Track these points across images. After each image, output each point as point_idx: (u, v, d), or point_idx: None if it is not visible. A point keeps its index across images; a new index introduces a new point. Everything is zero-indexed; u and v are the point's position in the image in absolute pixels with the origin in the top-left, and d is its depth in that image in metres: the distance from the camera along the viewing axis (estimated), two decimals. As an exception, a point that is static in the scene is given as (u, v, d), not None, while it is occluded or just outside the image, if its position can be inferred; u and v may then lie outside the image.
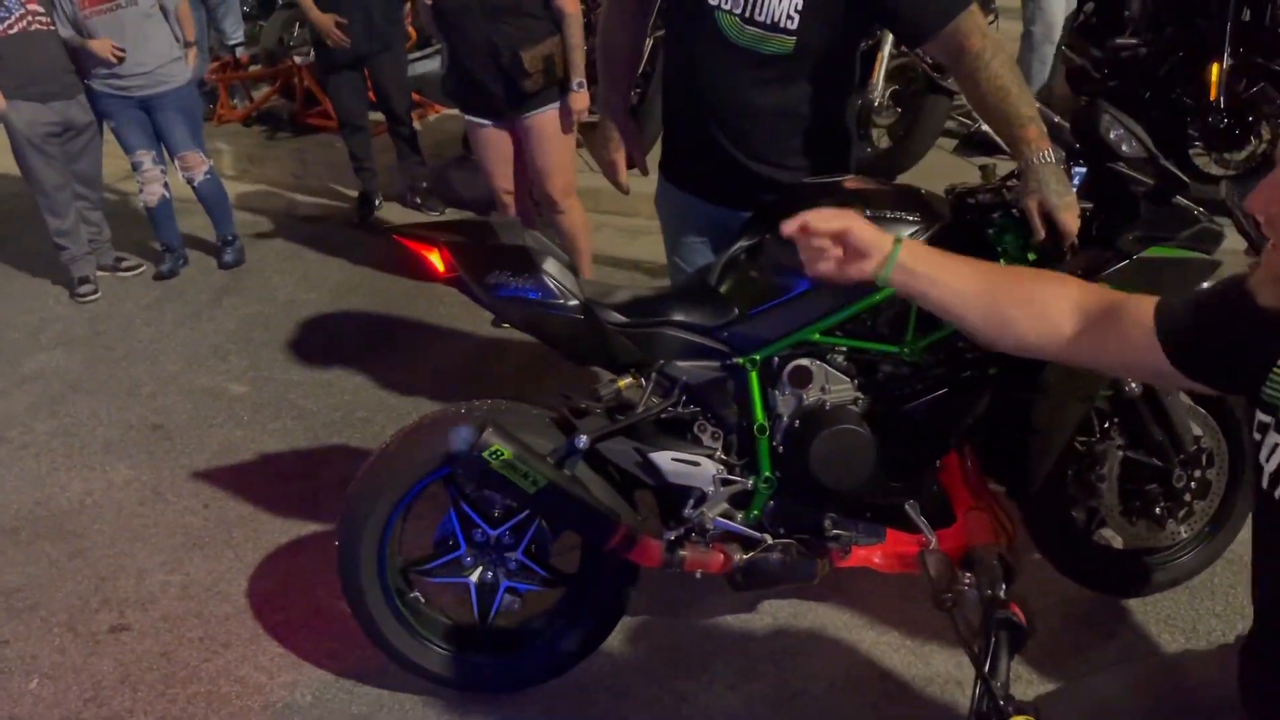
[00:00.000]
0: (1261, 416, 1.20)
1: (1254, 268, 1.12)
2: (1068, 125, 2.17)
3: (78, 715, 2.41)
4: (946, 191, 2.27)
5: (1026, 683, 2.30)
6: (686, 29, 2.32)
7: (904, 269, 1.46)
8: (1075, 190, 2.04)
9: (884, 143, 4.74)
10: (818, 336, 2.17)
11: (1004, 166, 2.22)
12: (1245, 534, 2.51)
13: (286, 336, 4.28)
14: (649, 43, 4.22)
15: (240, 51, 7.31)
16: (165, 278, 4.94)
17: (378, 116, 5.59)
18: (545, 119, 3.77)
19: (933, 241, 2.08)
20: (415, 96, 6.01)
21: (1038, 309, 1.40)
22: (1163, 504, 2.39)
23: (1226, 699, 1.28)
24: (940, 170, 4.40)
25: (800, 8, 2.13)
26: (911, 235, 2.10)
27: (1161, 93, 4.28)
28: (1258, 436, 1.20)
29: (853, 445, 2.15)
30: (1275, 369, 1.17)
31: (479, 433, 2.07)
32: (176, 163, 4.85)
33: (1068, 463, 2.36)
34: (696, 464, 2.19)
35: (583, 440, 2.15)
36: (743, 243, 2.23)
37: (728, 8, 2.18)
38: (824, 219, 1.47)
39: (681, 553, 2.19)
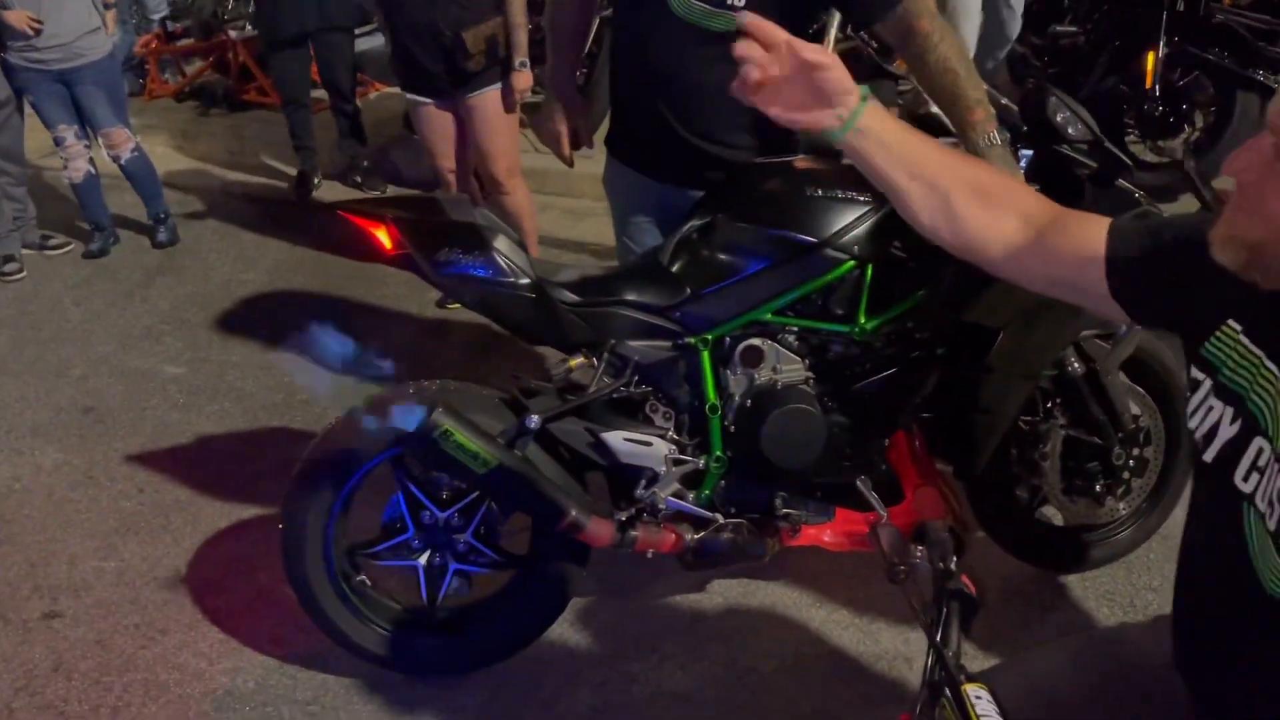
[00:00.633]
0: (1196, 373, 1.18)
1: (1215, 221, 1.10)
2: (1015, 108, 2.20)
3: (9, 705, 2.34)
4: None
5: (970, 657, 2.33)
6: (635, 4, 2.30)
7: (860, 131, 1.30)
8: (1022, 172, 2.07)
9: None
10: (769, 316, 2.17)
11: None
12: (1180, 511, 2.58)
13: (224, 317, 4.18)
14: (595, 21, 4.17)
15: (172, 25, 7.10)
16: (95, 256, 4.79)
17: (318, 94, 5.47)
18: (488, 99, 3.72)
19: (882, 223, 2.10)
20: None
21: (989, 206, 1.31)
22: (1102, 482, 2.44)
23: (1164, 667, 1.30)
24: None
25: None
26: (862, 215, 2.11)
27: (1098, 80, 4.36)
28: (1188, 393, 1.19)
29: (804, 425, 2.16)
30: (1222, 328, 1.13)
31: (427, 413, 2.04)
32: (100, 140, 4.69)
33: (1011, 442, 2.39)
34: (648, 444, 2.18)
35: (534, 420, 2.12)
36: (694, 222, 2.22)
37: None
38: (808, 47, 1.28)
39: (633, 533, 2.19)
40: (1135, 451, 2.45)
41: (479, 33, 3.61)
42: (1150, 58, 4.14)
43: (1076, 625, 2.40)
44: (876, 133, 1.31)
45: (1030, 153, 2.16)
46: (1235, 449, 1.10)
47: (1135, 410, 2.43)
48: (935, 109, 2.24)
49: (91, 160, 4.73)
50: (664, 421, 2.22)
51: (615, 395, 2.20)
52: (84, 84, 4.53)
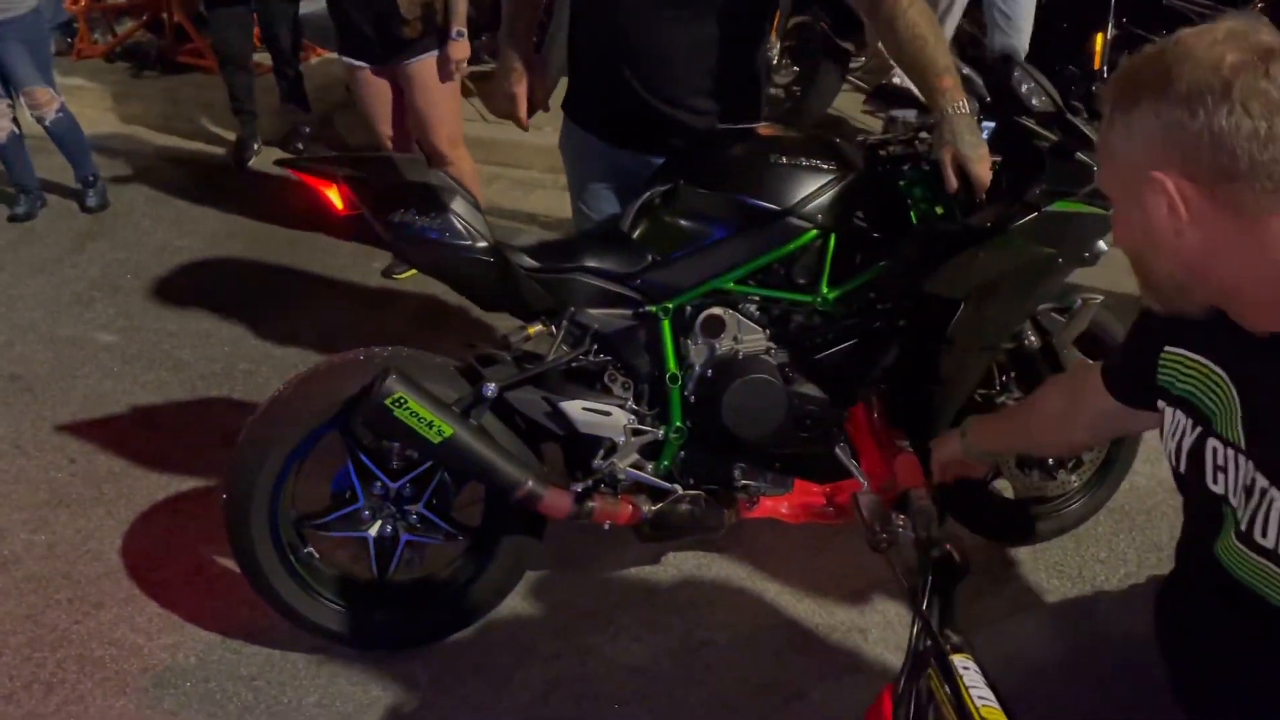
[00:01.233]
0: (1161, 405, 1.26)
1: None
2: (979, 79, 2.19)
3: (-68, 684, 2.23)
4: (858, 143, 2.26)
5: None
6: (596, -38, 2.24)
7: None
8: (985, 142, 2.06)
9: (780, 101, 4.75)
10: (731, 285, 2.14)
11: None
12: (1128, 484, 2.62)
13: (159, 284, 4.03)
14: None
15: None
16: (21, 220, 4.58)
17: (259, 57, 5.29)
18: (424, 67, 3.60)
19: (845, 193, 2.08)
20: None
21: (1052, 434, 1.59)
22: (1056, 455, 2.46)
23: (1138, 636, 1.31)
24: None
25: None
26: (825, 184, 2.09)
27: (1047, 61, 4.39)
28: (1162, 424, 1.26)
29: (764, 395, 2.14)
30: (1162, 356, 1.25)
31: (380, 379, 1.98)
32: (22, 99, 4.48)
33: (967, 414, 2.39)
34: (607, 414, 2.14)
35: (490, 389, 2.07)
36: (657, 188, 2.18)
37: None
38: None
39: (590, 504, 2.15)
40: (1087, 425, 2.47)
41: None
42: (1099, 39, 4.18)
43: (1028, 597, 2.43)
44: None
45: (992, 125, 2.16)
46: (1198, 454, 1.17)
47: (1088, 384, 2.45)
48: (901, 79, 2.22)
49: (15, 120, 4.52)
50: (623, 391, 2.18)
51: (574, 364, 2.16)
52: (6, 40, 4.31)
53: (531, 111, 2.57)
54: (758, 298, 2.16)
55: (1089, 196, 2.14)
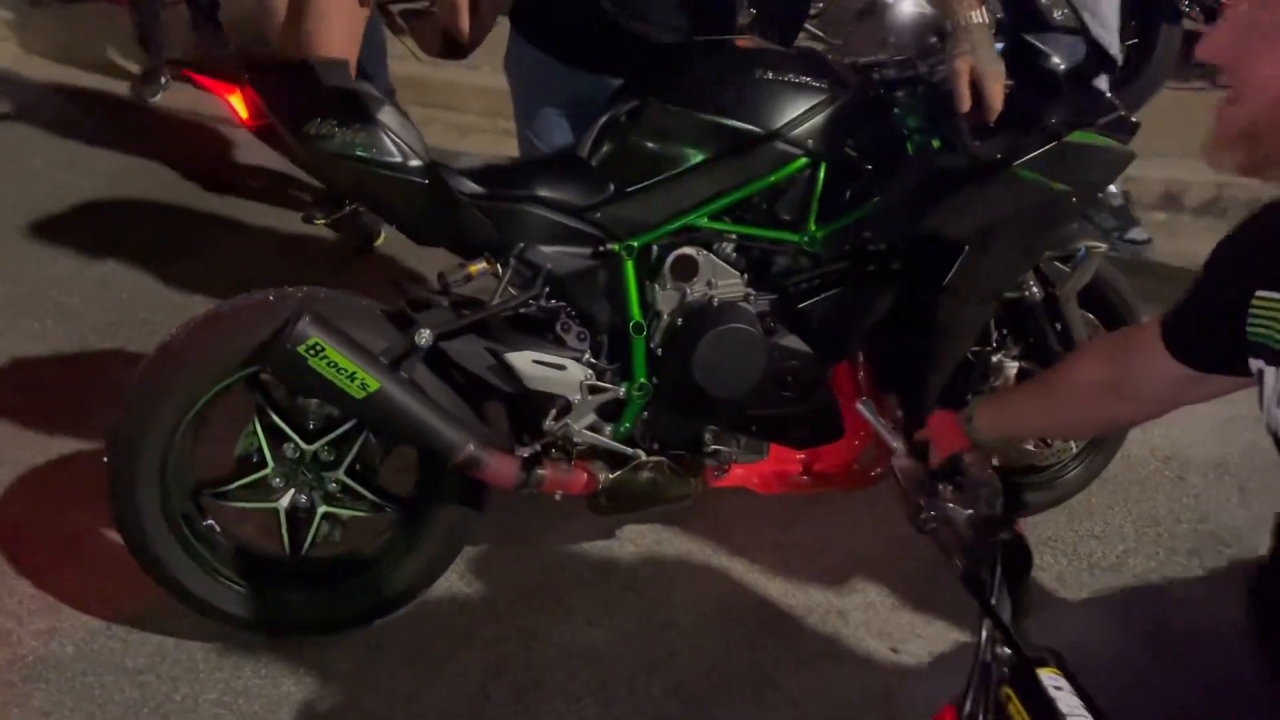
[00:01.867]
0: (1252, 364, 1.03)
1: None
2: (990, -8, 1.92)
3: None
4: (849, 63, 1.99)
5: (919, 617, 2.12)
6: None
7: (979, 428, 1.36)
8: (1002, 60, 1.80)
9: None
10: (705, 221, 1.87)
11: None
12: (1120, 453, 2.42)
13: (49, 226, 3.60)
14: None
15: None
16: (-106, 153, 4.10)
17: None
18: None
19: (839, 116, 1.83)
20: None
21: (1089, 412, 1.31)
22: (1051, 420, 2.24)
23: (1227, 629, 1.08)
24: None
25: None
26: (817, 105, 1.83)
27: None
28: (1260, 388, 1.03)
29: (742, 348, 1.88)
30: (1254, 302, 1.02)
31: (292, 322, 1.67)
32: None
33: (959, 375, 2.16)
34: (561, 368, 1.87)
35: (424, 336, 1.77)
36: (621, 106, 1.89)
37: None
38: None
39: (540, 471, 1.87)
40: (1086, 387, 2.26)
41: None
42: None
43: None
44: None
45: (1002, 45, 1.90)
46: None
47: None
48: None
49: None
50: (579, 342, 1.90)
51: (522, 310, 1.88)
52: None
53: (472, 46, 2.23)
54: (736, 236, 1.89)
55: (1108, 128, 1.91)
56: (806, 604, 2.14)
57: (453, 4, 2.18)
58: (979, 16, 1.72)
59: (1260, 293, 1.01)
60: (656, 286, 1.87)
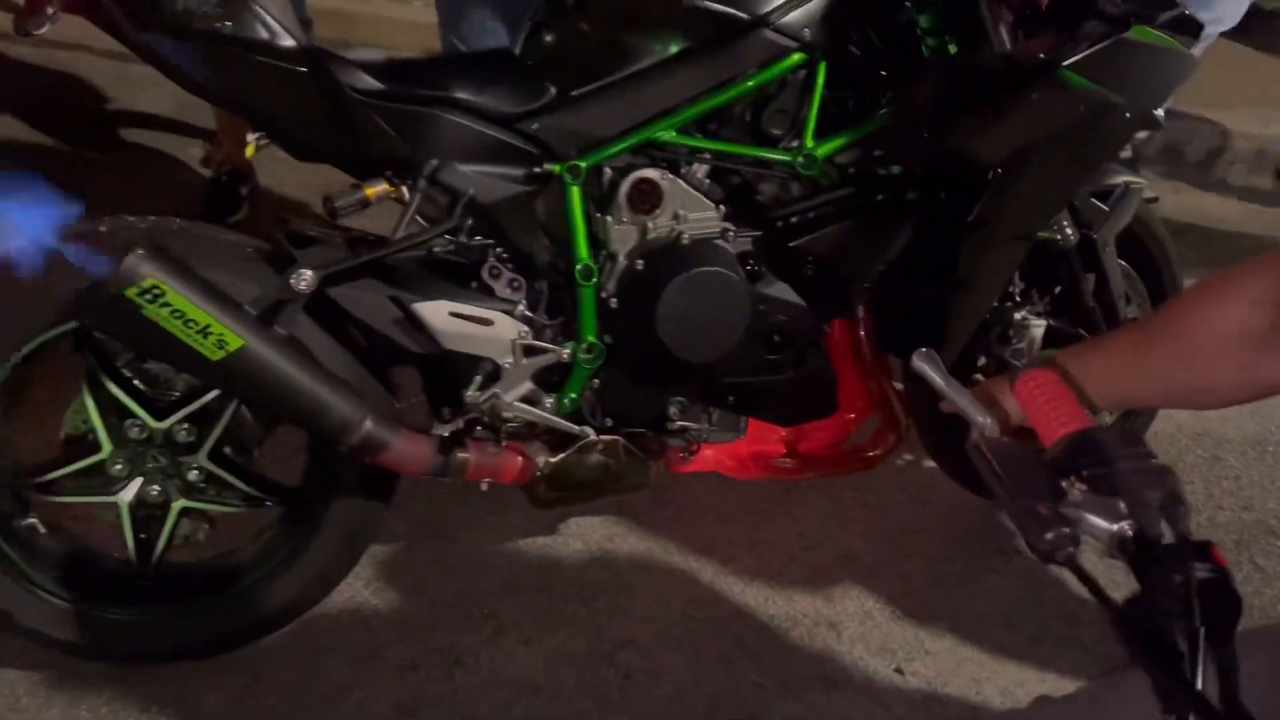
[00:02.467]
0: None
1: None
2: None
3: None
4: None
5: (927, 629, 1.75)
6: None
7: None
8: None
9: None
10: (671, 135, 1.48)
11: None
12: (1159, 425, 2.08)
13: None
14: None
15: None
16: None
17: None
18: None
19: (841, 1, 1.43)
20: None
21: (1219, 372, 0.91)
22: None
23: None
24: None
25: None
26: None
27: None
28: None
29: (718, 297, 1.49)
30: None
31: (120, 257, 1.24)
32: None
33: (976, 335, 1.79)
34: (486, 323, 1.47)
35: (305, 279, 1.36)
36: (566, -13, 1.47)
37: None
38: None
39: (461, 455, 1.47)
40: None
41: None
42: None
43: (1041, 572, 1.85)
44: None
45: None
46: None
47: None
48: None
49: None
50: (510, 291, 1.50)
51: (436, 248, 1.47)
52: None
53: None
54: (710, 155, 1.49)
55: (1170, 27, 1.53)
56: (791, 614, 1.76)
57: None
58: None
59: None
60: (610, 219, 1.47)
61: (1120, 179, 1.81)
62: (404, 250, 1.42)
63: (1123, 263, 1.86)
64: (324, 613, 1.66)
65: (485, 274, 1.49)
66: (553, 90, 1.45)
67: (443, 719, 1.56)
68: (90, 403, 1.43)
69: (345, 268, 1.39)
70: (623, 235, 1.48)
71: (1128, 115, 1.52)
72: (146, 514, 1.50)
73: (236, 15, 1.28)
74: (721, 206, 1.50)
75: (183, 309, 1.26)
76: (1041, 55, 1.45)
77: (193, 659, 1.58)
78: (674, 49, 1.43)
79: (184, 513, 1.52)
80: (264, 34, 1.28)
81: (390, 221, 1.45)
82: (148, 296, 1.25)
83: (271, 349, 1.32)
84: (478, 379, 1.49)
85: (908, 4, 1.53)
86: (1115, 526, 0.64)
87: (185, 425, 1.46)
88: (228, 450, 1.51)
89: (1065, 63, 1.44)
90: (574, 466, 1.57)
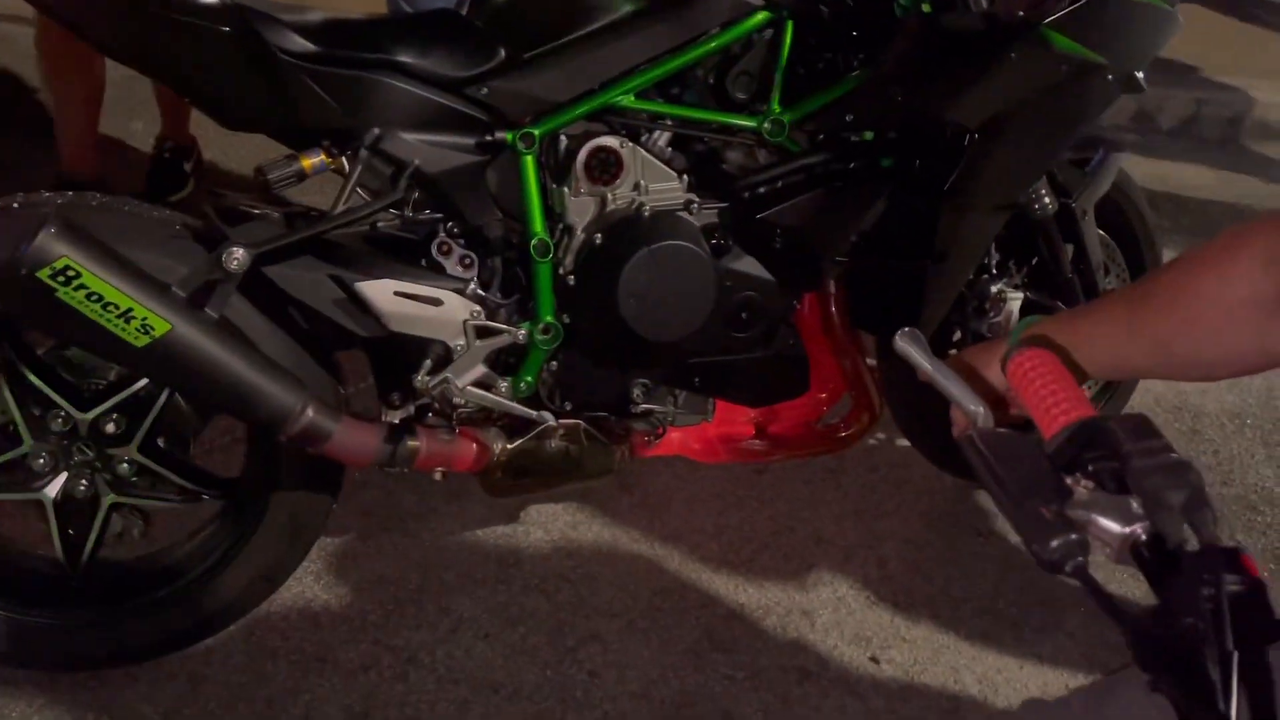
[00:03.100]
0: None
1: None
2: None
3: None
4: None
5: (902, 615, 1.69)
6: None
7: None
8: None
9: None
10: (630, 101, 1.39)
11: None
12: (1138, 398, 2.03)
13: None
14: None
15: None
16: None
17: None
18: None
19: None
20: None
21: (1227, 339, 0.84)
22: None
23: None
24: None
25: None
26: None
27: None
28: None
29: (681, 273, 1.41)
30: None
31: (30, 236, 1.13)
32: None
33: (952, 309, 1.72)
34: (435, 302, 1.38)
35: (236, 258, 1.25)
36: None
37: None
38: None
39: (411, 443, 1.38)
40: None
41: None
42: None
43: (1019, 556, 1.79)
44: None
45: None
46: None
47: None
48: None
49: None
50: (461, 268, 1.41)
51: (380, 223, 1.36)
52: None
53: None
54: (672, 121, 1.40)
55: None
56: (762, 603, 1.69)
57: None
58: None
59: None
60: (566, 190, 1.38)
61: (1099, 145, 1.74)
62: (345, 225, 1.33)
63: (1101, 232, 1.80)
64: (270, 611, 1.58)
65: (434, 250, 1.40)
66: (503, 52, 1.35)
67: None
68: (7, 394, 1.33)
69: (281, 245, 1.29)
70: (580, 207, 1.39)
71: (1110, 77, 1.45)
72: (74, 511, 1.40)
73: (153, -32, 1.17)
74: (685, 176, 1.41)
75: (100, 291, 1.16)
76: (1021, 13, 1.37)
77: (128, 664, 1.49)
78: (631, 7, 1.35)
79: (115, 509, 1.41)
80: (186, -13, 1.17)
81: (330, 195, 1.35)
82: (61, 278, 1.14)
83: (201, 333, 1.22)
84: (428, 363, 1.40)
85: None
86: (1129, 530, 0.56)
87: (113, 416, 1.36)
88: (160, 441, 1.41)
89: (1046, 21, 1.37)
90: (532, 453, 1.48)
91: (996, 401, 0.89)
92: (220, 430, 1.50)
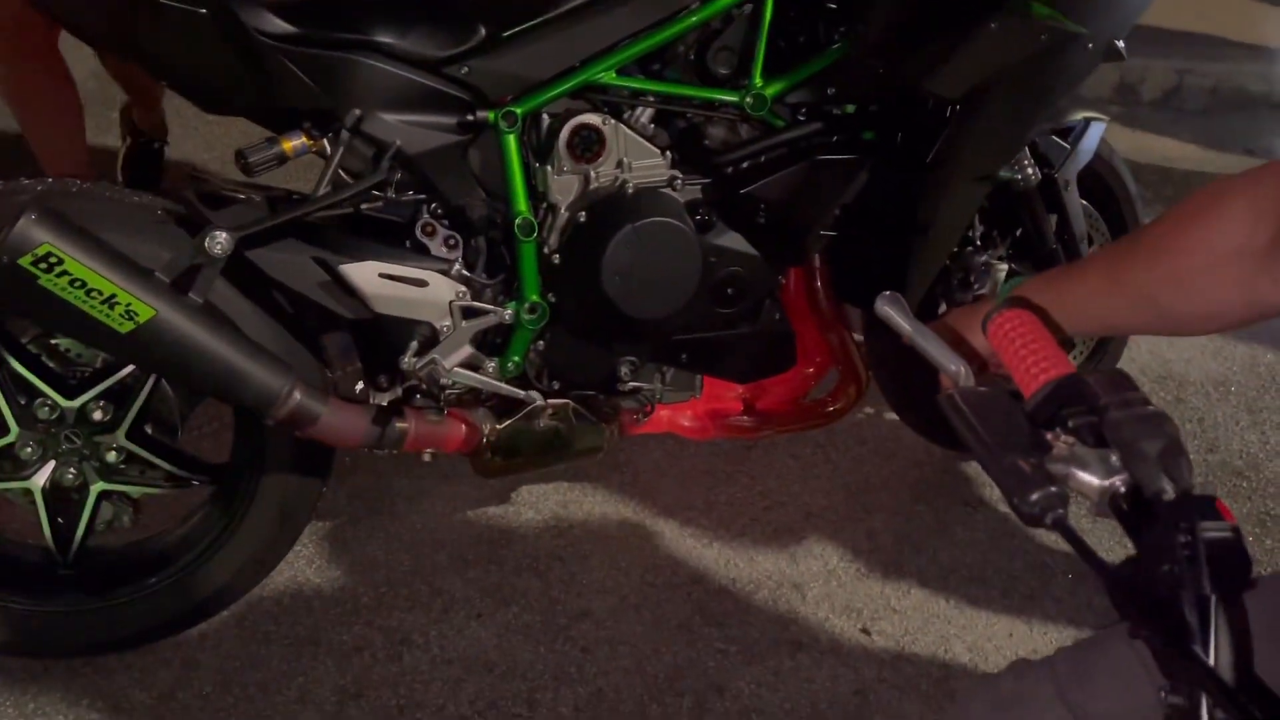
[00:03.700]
0: None
1: None
2: None
3: None
4: None
5: (892, 585, 1.70)
6: None
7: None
8: None
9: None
10: (612, 78, 1.39)
11: None
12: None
13: None
14: None
15: None
16: None
17: None
18: None
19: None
20: None
21: (1215, 293, 0.84)
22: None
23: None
24: None
25: None
26: None
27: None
28: None
29: (666, 250, 1.41)
30: None
31: (11, 223, 1.13)
32: None
33: (936, 281, 1.72)
34: (420, 284, 1.38)
35: (220, 242, 1.25)
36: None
37: None
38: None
39: (399, 425, 1.38)
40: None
41: None
42: None
43: (1007, 524, 1.80)
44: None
45: None
46: None
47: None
48: None
49: None
50: (445, 249, 1.41)
51: (364, 205, 1.36)
52: None
53: None
54: (654, 97, 1.40)
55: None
56: (753, 577, 1.70)
57: None
58: None
59: None
60: (549, 169, 1.38)
61: (1081, 114, 1.75)
62: (327, 208, 1.32)
63: (1084, 202, 1.81)
64: (263, 595, 1.59)
65: (418, 232, 1.40)
66: (483, 31, 1.35)
67: (390, 702, 1.48)
68: (-8, 381, 1.33)
69: (264, 228, 1.29)
70: (564, 186, 1.39)
71: (1090, 46, 1.45)
72: (63, 499, 1.41)
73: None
74: (668, 153, 1.41)
75: (83, 278, 1.15)
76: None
77: (121, 650, 1.49)
78: (612, -14, 1.34)
79: (104, 496, 1.42)
80: (159, -31, 1.17)
81: (312, 178, 1.35)
82: (43, 265, 1.14)
83: (186, 318, 1.22)
84: (414, 344, 1.40)
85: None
86: (1107, 482, 0.57)
87: (100, 403, 1.36)
88: (148, 428, 1.41)
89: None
90: (522, 433, 1.49)
91: (980, 364, 0.90)
92: (208, 415, 1.50)
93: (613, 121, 1.38)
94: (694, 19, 1.35)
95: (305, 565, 1.66)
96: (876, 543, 1.77)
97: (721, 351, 1.54)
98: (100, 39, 1.27)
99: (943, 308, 1.79)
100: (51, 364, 1.37)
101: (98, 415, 1.37)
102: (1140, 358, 2.22)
